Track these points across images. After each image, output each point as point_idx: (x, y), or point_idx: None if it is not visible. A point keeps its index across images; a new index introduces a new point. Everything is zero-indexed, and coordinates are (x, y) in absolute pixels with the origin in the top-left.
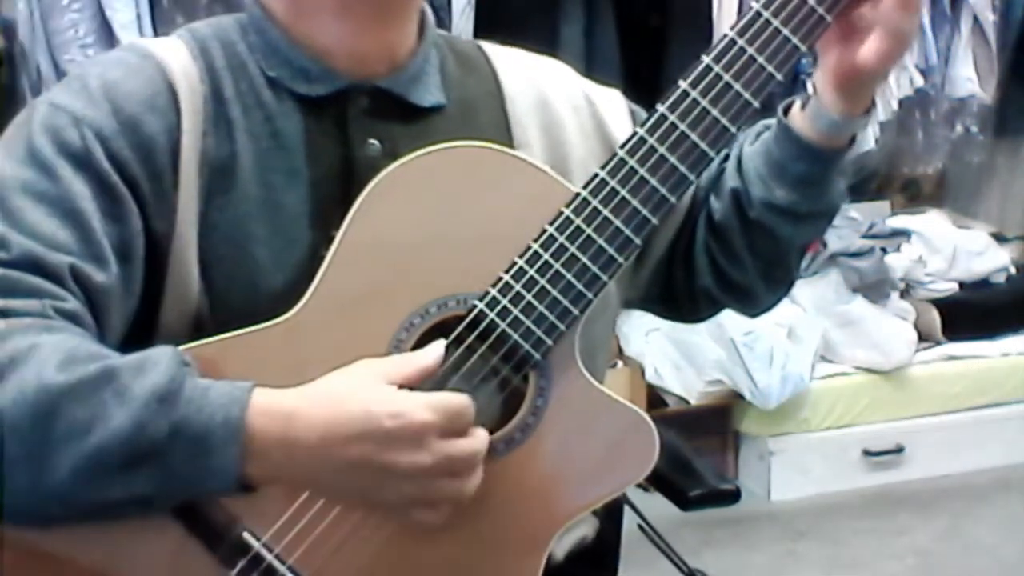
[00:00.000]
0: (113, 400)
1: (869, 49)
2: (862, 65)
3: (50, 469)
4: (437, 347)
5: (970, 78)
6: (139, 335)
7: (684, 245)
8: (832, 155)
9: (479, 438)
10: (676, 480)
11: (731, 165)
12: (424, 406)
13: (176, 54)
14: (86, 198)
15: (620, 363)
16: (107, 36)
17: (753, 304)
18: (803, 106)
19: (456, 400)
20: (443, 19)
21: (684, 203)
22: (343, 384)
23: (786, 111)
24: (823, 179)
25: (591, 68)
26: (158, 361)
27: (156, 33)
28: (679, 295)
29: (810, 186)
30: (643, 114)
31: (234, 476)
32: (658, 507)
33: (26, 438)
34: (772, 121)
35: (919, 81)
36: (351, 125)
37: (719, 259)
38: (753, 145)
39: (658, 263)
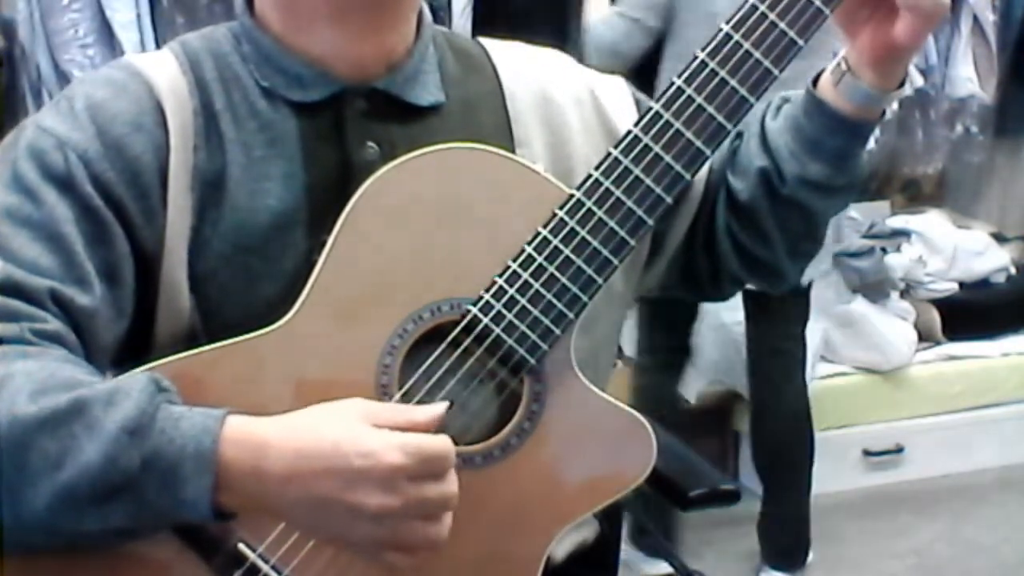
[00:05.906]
0: (84, 433)
1: (902, 27)
2: (897, 42)
3: (27, 501)
4: (438, 408)
5: (970, 78)
6: (135, 352)
7: (703, 231)
8: (866, 127)
9: (453, 482)
10: (676, 480)
11: (754, 143)
12: (396, 447)
13: (164, 69)
14: (69, 222)
15: (620, 363)
16: (107, 36)
17: (780, 280)
18: (836, 82)
19: (432, 444)
20: (443, 19)
21: (698, 189)
22: (321, 417)
23: (813, 84)
24: (856, 151)
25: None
26: (130, 392)
27: (156, 33)
28: (701, 279)
29: (845, 159)
30: (648, 102)
31: (208, 506)
32: (657, 508)
33: (1, 471)
34: (792, 93)
35: (919, 81)
36: (348, 128)
37: (743, 239)
38: (776, 121)
39: (676, 253)
